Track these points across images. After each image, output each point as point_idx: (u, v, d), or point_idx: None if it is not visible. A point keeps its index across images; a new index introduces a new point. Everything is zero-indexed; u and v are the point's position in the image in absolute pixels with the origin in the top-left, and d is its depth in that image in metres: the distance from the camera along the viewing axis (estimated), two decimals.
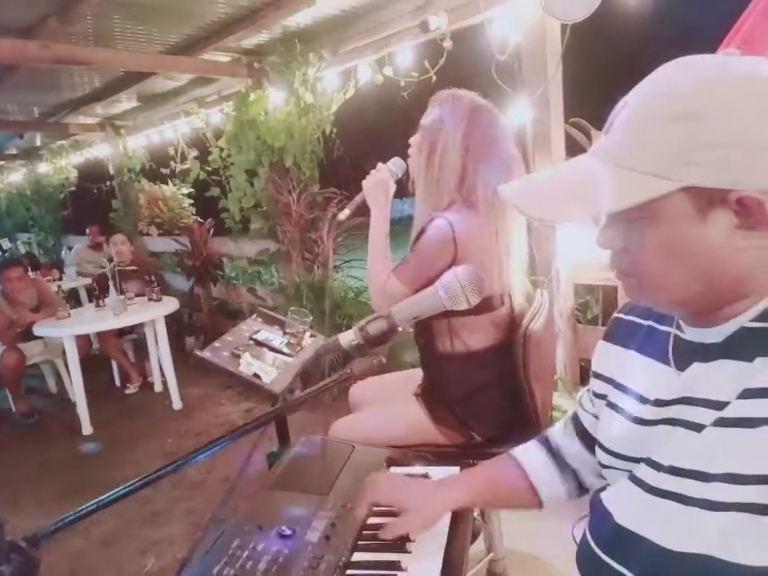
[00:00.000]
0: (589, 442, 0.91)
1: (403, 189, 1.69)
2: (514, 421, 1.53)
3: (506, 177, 1.49)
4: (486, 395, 1.54)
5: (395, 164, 1.64)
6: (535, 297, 1.66)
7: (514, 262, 1.58)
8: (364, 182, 1.63)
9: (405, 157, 1.64)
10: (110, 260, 4.36)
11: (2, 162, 9.47)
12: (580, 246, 2.67)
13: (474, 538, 1.77)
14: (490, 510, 1.01)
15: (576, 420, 0.94)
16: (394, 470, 1.15)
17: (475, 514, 1.24)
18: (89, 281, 5.48)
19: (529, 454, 0.98)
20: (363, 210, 1.69)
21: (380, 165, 1.64)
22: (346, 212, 1.67)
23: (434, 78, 3.14)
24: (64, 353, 3.79)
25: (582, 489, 0.96)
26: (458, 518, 0.98)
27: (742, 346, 0.63)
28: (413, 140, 1.60)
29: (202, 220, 5.87)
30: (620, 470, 0.74)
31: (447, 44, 2.95)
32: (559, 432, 0.98)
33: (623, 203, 0.60)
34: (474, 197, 1.49)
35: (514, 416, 1.53)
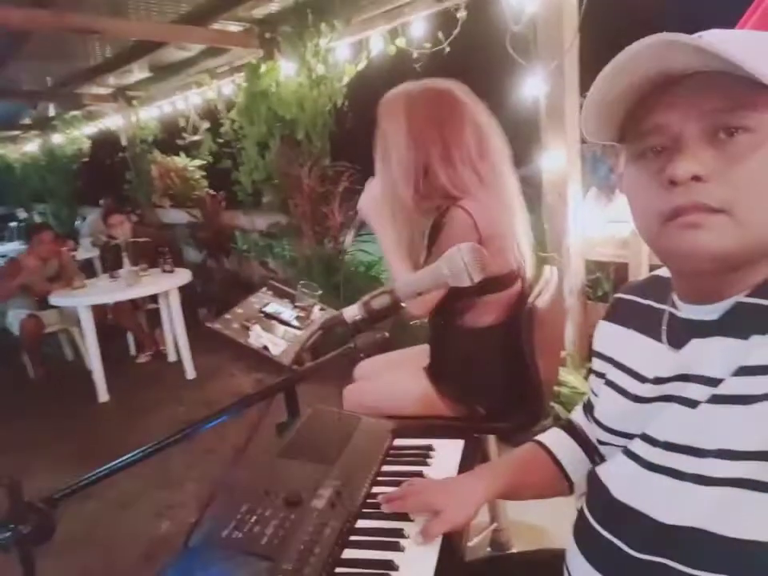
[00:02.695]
0: None
1: None
2: (517, 395, 1.55)
3: (479, 152, 1.49)
4: (490, 369, 1.56)
5: None
6: (543, 273, 1.67)
7: (525, 239, 1.58)
8: (359, 202, 1.63)
9: None
10: (111, 237, 4.41)
11: (17, 132, 9.53)
12: (592, 221, 2.65)
13: None
14: (520, 499, 1.00)
15: (588, 402, 0.94)
16: (398, 441, 1.18)
17: None
18: None
19: (553, 438, 0.98)
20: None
21: (371, 179, 1.63)
22: (349, 239, 1.69)
23: (448, 49, 3.08)
24: (79, 322, 3.87)
25: None
26: None
27: (737, 323, 0.62)
28: None
29: (214, 192, 5.89)
30: (617, 446, 0.76)
31: (461, 14, 2.89)
32: (579, 413, 0.98)
33: None
34: (441, 179, 1.49)
35: (518, 390, 1.55)
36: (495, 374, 1.56)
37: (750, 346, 0.60)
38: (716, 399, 0.61)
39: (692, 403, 0.64)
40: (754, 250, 0.61)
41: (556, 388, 2.28)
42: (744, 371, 0.59)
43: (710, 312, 0.66)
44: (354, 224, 1.68)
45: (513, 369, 1.53)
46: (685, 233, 0.60)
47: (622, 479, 0.72)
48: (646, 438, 0.68)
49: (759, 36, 0.63)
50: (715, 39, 0.58)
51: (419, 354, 1.73)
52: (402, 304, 0.79)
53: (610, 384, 0.80)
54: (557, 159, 2.58)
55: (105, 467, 0.78)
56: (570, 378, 2.43)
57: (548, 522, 1.94)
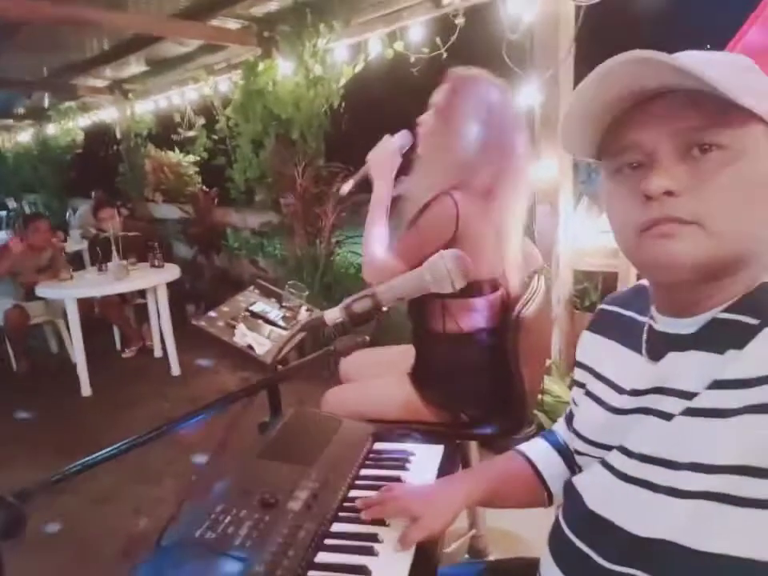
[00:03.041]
0: None
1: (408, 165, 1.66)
2: (501, 403, 1.55)
3: (512, 162, 1.50)
4: (474, 376, 1.56)
5: (403, 137, 1.61)
6: (531, 282, 1.67)
7: (512, 247, 1.58)
8: (370, 154, 1.60)
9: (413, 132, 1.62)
10: (100, 230, 4.39)
11: (10, 121, 9.45)
12: (582, 231, 2.67)
13: None
14: (498, 507, 1.00)
15: (569, 412, 0.94)
16: (378, 445, 1.17)
17: None
18: None
19: (535, 448, 0.98)
20: (366, 187, 1.67)
21: (387, 137, 1.61)
22: (350, 183, 1.63)
23: (445, 54, 3.09)
24: (65, 314, 3.83)
25: None
26: None
27: (714, 338, 0.63)
28: (424, 118, 1.58)
29: (207, 188, 5.87)
30: (594, 457, 0.76)
31: (459, 20, 2.91)
32: (561, 424, 0.98)
33: (746, 100, 0.56)
34: (478, 180, 1.49)
35: (502, 398, 1.55)
36: (478, 380, 1.56)
37: (726, 360, 0.60)
38: (690, 412, 0.62)
39: (667, 416, 0.64)
40: (726, 261, 0.62)
41: (540, 396, 2.29)
42: (719, 385, 0.60)
43: (687, 326, 0.67)
44: (358, 174, 1.63)
45: (496, 376, 1.54)
46: (658, 242, 0.62)
47: (597, 490, 0.72)
48: (622, 450, 0.69)
49: (729, 58, 0.66)
50: (689, 59, 0.60)
51: (405, 355, 1.72)
52: (383, 308, 0.79)
53: (590, 395, 0.80)
54: (549, 169, 2.60)
55: (78, 463, 0.77)
56: (554, 386, 2.44)
57: (527, 530, 1.94)
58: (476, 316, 1.55)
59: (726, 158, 0.59)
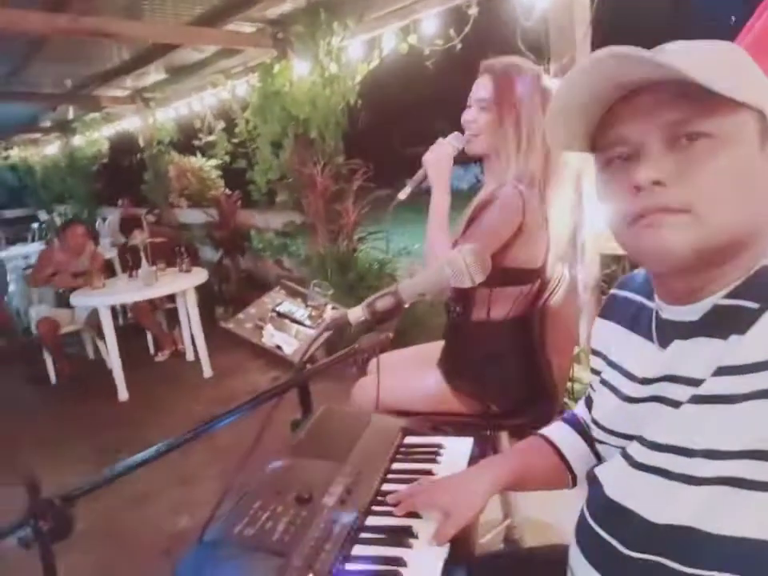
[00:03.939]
0: None
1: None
2: (530, 393, 1.55)
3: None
4: (505, 366, 1.57)
5: (456, 138, 1.60)
6: (555, 270, 1.66)
7: (559, 238, 1.58)
8: (425, 157, 1.59)
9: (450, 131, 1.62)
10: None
11: (38, 135, 9.70)
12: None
13: None
14: (524, 491, 1.01)
15: (588, 397, 0.95)
16: (408, 439, 1.19)
17: None
18: None
19: (558, 432, 0.99)
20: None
21: (440, 139, 1.60)
22: (407, 190, 1.62)
23: (459, 45, 3.08)
24: (88, 322, 3.95)
25: None
26: None
27: (717, 324, 0.63)
28: (472, 116, 1.56)
29: (230, 192, 5.94)
30: (613, 446, 0.76)
31: (473, 11, 2.88)
32: (581, 407, 0.98)
33: (735, 93, 0.57)
34: (531, 169, 1.49)
35: (531, 388, 1.55)
36: (509, 369, 1.57)
37: (730, 346, 0.61)
38: (697, 399, 0.62)
39: (675, 404, 0.65)
40: (720, 247, 0.62)
41: (570, 384, 2.27)
42: (724, 371, 0.60)
43: (689, 313, 0.67)
44: (415, 178, 1.61)
45: (526, 365, 1.54)
46: (648, 232, 0.63)
47: (616, 478, 0.73)
48: (640, 439, 0.69)
49: (715, 47, 0.65)
50: (670, 52, 0.60)
51: (434, 350, 1.73)
52: (405, 305, 0.80)
53: (605, 383, 0.81)
54: (571, 153, 2.56)
55: (121, 466, 0.80)
56: (583, 374, 2.41)
57: (561, 519, 1.93)
58: (513, 304, 1.55)
59: (713, 146, 0.60)
